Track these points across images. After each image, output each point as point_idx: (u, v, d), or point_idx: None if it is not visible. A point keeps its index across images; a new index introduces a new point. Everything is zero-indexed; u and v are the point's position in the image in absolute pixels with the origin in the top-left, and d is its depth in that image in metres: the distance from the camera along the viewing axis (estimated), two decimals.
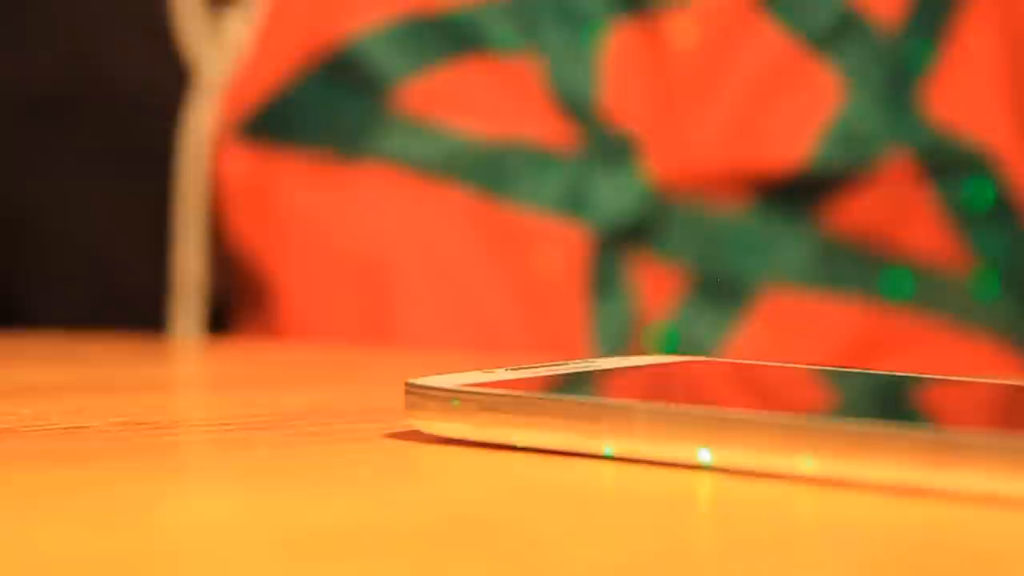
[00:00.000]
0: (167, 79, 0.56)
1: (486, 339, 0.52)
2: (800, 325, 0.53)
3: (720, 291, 0.53)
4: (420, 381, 0.25)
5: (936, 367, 0.52)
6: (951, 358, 0.52)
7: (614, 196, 0.53)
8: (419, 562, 0.17)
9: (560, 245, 0.53)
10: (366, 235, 0.53)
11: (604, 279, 0.53)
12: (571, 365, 0.28)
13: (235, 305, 0.55)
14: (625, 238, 0.53)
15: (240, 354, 0.51)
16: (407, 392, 0.25)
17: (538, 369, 0.27)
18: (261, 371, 0.41)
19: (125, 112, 0.57)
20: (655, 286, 0.53)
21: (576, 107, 0.54)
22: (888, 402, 0.26)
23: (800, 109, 0.53)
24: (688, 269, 0.53)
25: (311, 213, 0.54)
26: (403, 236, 0.53)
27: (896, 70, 0.53)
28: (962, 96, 0.53)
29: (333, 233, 0.53)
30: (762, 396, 0.27)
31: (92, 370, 0.40)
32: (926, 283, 0.53)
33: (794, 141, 0.53)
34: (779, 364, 0.30)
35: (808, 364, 0.29)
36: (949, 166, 0.53)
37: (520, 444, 0.24)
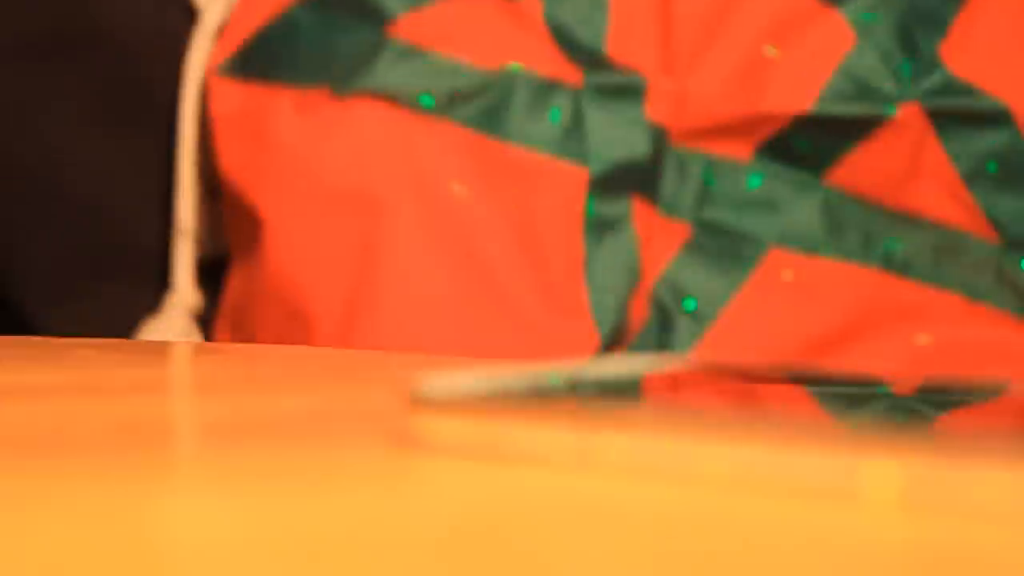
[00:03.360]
0: (172, 24, 0.56)
1: (480, 280, 0.51)
2: (804, 287, 0.52)
3: (721, 246, 0.52)
4: (422, 382, 0.24)
5: (945, 334, 0.51)
6: (961, 326, 0.51)
7: (614, 138, 0.52)
8: (419, 567, 0.16)
9: (559, 184, 0.52)
10: (358, 169, 0.52)
11: (602, 222, 0.52)
12: (576, 367, 0.27)
13: (231, 250, 0.55)
14: (625, 182, 0.52)
15: (236, 356, 0.50)
16: (409, 393, 0.24)
17: (542, 370, 0.27)
18: (258, 373, 0.40)
19: (128, 57, 0.56)
20: (655, 234, 0.52)
21: (578, 48, 0.53)
22: (886, 404, 0.26)
23: (808, 59, 0.52)
24: (689, 220, 0.52)
25: (303, 147, 0.53)
26: (396, 170, 0.52)
27: (909, 21, 0.52)
28: (978, 51, 0.52)
29: (325, 167, 0.52)
30: (763, 399, 0.27)
31: (83, 372, 0.40)
32: (935, 246, 0.52)
33: (801, 92, 0.52)
34: (782, 367, 0.29)
35: (805, 366, 0.29)
36: (962, 122, 0.51)
37: (522, 446, 0.23)
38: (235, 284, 0.54)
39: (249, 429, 0.27)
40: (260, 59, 0.53)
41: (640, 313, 0.51)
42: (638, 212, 0.52)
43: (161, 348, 0.53)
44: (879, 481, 0.20)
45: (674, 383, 0.28)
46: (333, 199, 0.52)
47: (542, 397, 0.24)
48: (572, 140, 0.52)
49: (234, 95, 0.53)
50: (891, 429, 0.20)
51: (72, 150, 0.57)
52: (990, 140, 0.51)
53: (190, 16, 0.55)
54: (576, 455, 0.23)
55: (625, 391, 0.26)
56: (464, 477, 0.22)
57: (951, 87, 0.51)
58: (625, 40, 0.53)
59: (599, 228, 0.51)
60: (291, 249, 0.52)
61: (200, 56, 0.55)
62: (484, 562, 0.17)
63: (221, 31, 0.55)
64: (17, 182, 0.57)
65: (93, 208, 0.57)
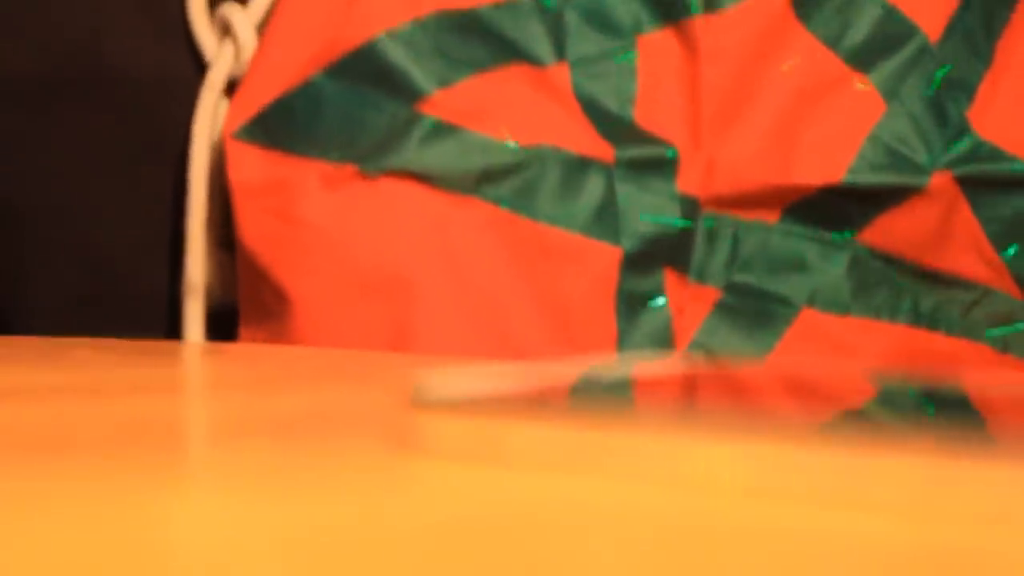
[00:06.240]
0: (181, 71, 0.55)
1: (513, 360, 0.51)
2: (835, 350, 0.51)
3: (752, 312, 0.52)
4: (424, 381, 0.24)
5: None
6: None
7: (645, 213, 0.52)
8: (419, 568, 0.16)
9: (591, 263, 0.51)
10: (389, 250, 0.52)
11: (635, 298, 0.51)
12: (583, 367, 0.27)
13: (243, 312, 0.54)
14: (657, 256, 0.51)
15: (236, 357, 0.50)
16: (409, 393, 0.24)
17: (547, 370, 0.26)
18: (258, 373, 0.40)
19: (136, 102, 0.56)
20: (686, 303, 0.52)
21: (607, 118, 0.52)
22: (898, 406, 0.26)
23: (838, 126, 0.52)
24: (719, 284, 0.52)
25: (331, 225, 0.52)
26: (428, 251, 0.51)
27: (938, 87, 0.52)
28: (1004, 114, 0.52)
29: (355, 247, 0.52)
30: (772, 400, 0.27)
31: (83, 372, 0.39)
32: (962, 302, 0.52)
33: (831, 159, 0.51)
34: (792, 369, 0.29)
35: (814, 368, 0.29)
36: (992, 186, 0.51)
37: (523, 447, 0.23)
38: None
39: (249, 429, 0.27)
40: (282, 128, 0.52)
41: None
42: (670, 284, 0.51)
43: (161, 349, 0.53)
44: (880, 482, 0.20)
45: (676, 384, 0.27)
46: (364, 280, 0.51)
47: (543, 398, 0.24)
48: (604, 218, 0.51)
49: (255, 163, 0.52)
50: (889, 428, 0.20)
51: (77, 195, 0.56)
52: (1020, 203, 0.51)
53: (199, 65, 0.55)
54: (577, 456, 0.23)
55: (627, 392, 0.26)
56: (464, 478, 0.22)
57: (981, 152, 0.51)
58: (653, 109, 0.52)
59: (632, 305, 0.51)
60: (323, 329, 0.51)
61: (207, 113, 0.54)
62: (484, 563, 0.16)
63: (230, 87, 0.54)
64: (21, 227, 0.57)
65: (98, 254, 0.57)
